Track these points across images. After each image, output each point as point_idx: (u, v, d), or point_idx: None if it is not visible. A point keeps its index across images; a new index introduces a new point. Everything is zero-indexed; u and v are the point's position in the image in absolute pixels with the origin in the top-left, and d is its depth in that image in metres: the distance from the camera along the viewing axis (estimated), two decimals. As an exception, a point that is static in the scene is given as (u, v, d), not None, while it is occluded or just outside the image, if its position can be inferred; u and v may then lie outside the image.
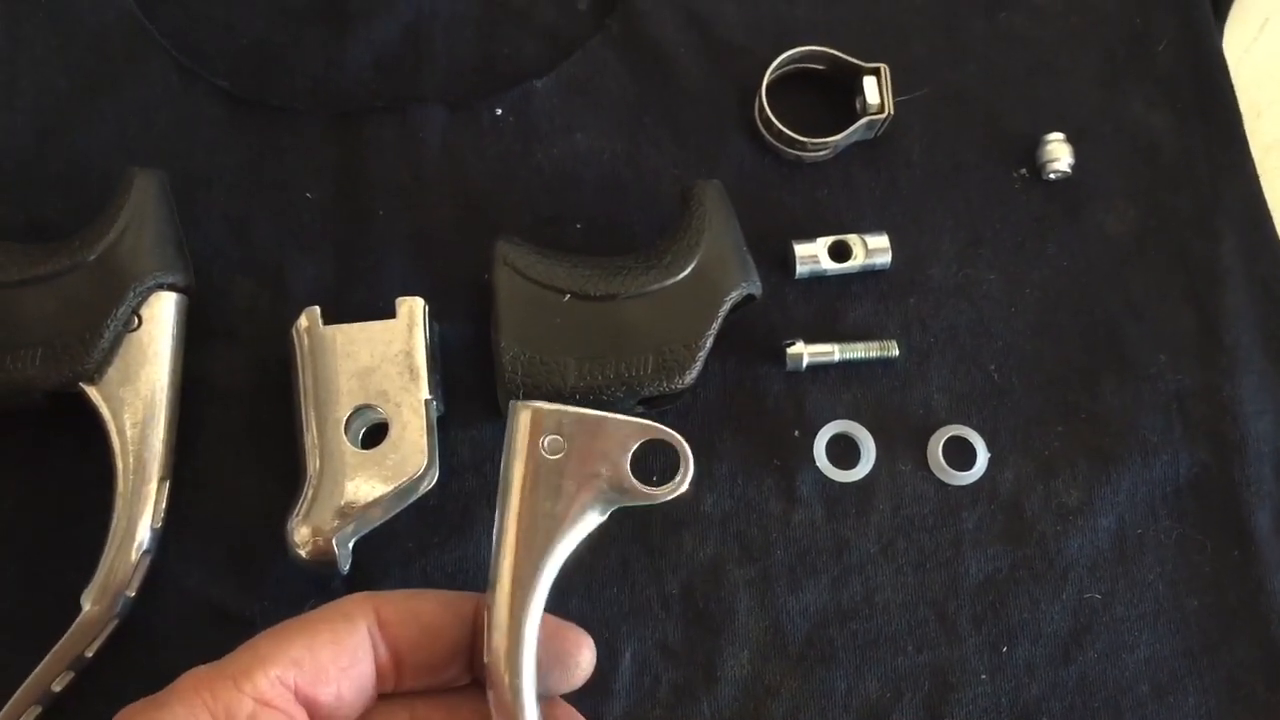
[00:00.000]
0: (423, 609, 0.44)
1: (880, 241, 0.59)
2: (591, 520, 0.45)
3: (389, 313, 0.55)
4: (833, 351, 0.58)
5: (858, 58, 0.61)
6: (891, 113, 0.60)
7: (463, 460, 0.56)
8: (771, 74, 0.61)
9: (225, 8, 0.63)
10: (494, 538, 0.44)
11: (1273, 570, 0.57)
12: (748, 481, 0.57)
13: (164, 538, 0.53)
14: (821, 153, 0.61)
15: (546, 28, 0.64)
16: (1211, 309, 0.60)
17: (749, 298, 0.56)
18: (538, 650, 0.44)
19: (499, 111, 0.62)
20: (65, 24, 0.61)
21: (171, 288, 0.54)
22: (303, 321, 0.54)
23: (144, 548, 0.51)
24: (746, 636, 0.55)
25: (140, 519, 0.51)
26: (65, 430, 0.55)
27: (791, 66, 0.63)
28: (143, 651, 0.53)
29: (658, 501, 0.46)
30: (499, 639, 0.43)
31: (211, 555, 0.55)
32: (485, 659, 0.43)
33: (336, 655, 0.42)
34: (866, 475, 0.57)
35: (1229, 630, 0.56)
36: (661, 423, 0.55)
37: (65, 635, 0.50)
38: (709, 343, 0.54)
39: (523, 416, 0.46)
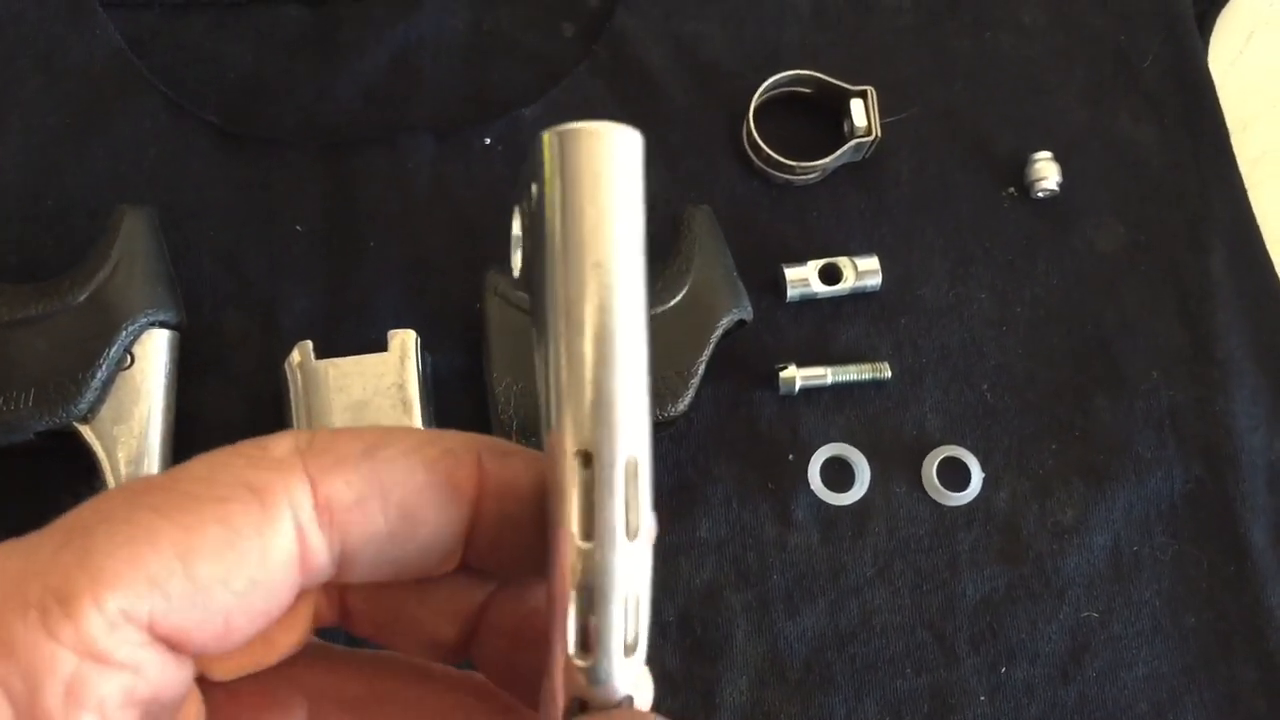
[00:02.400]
0: (393, 481, 0.27)
1: (870, 263, 0.60)
2: None
3: (382, 344, 0.55)
4: (825, 374, 0.58)
5: (845, 79, 0.62)
6: (879, 135, 0.61)
7: (458, 491, 0.56)
8: (759, 98, 0.62)
9: (214, 42, 0.63)
10: (556, 335, 0.26)
11: (1270, 585, 0.57)
12: (743, 506, 0.57)
13: (160, 576, 0.52)
14: (810, 176, 0.61)
15: (534, 56, 0.64)
16: (1202, 323, 0.61)
17: (740, 323, 0.56)
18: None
19: (488, 140, 0.62)
20: (54, 62, 0.61)
21: (163, 325, 0.55)
22: (295, 356, 0.55)
23: (140, 587, 0.51)
24: (745, 662, 0.55)
25: (136, 558, 0.51)
26: (59, 470, 0.55)
27: (779, 90, 0.63)
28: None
29: None
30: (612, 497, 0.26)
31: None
32: (558, 526, 0.26)
33: (229, 567, 0.25)
34: (861, 498, 0.57)
35: (1227, 646, 0.56)
36: (655, 450, 0.55)
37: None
38: (701, 369, 0.55)
39: (631, 138, 0.26)
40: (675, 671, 0.55)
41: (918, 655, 0.55)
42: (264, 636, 0.28)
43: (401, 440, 0.27)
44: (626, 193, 0.26)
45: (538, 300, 0.27)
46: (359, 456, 0.27)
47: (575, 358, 0.26)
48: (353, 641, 0.32)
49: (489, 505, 0.28)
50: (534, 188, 0.27)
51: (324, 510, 0.26)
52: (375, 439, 0.27)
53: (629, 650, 0.27)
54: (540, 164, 0.26)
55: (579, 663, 0.26)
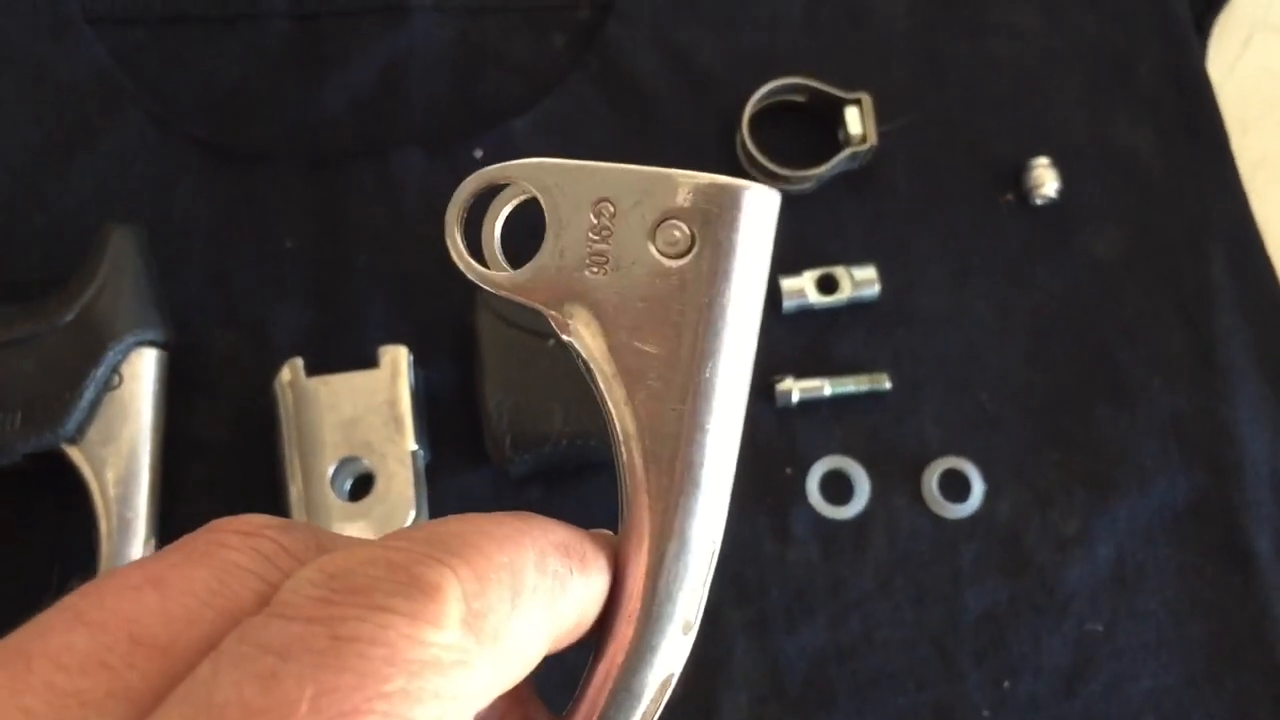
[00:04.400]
0: (529, 644, 0.25)
1: (867, 273, 0.59)
2: None
3: (373, 361, 0.54)
4: (822, 386, 0.57)
5: (839, 86, 0.61)
6: (875, 143, 0.60)
7: (452, 509, 0.55)
8: (752, 107, 0.61)
9: (200, 57, 0.62)
10: (679, 417, 0.27)
11: (1276, 595, 0.56)
12: (741, 521, 0.56)
13: (149, 599, 0.52)
14: (805, 185, 0.61)
15: (524, 66, 0.63)
16: (1204, 330, 0.60)
17: (736, 335, 0.55)
18: None
19: (478, 153, 0.61)
20: (38, 79, 0.61)
21: (151, 344, 0.54)
22: (285, 374, 0.54)
23: (129, 611, 0.51)
24: (744, 680, 0.54)
25: (124, 582, 0.51)
26: (49, 491, 0.54)
27: (772, 99, 0.62)
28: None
29: None
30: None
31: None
32: (632, 612, 0.27)
33: None
34: (861, 511, 0.57)
35: (1233, 658, 0.55)
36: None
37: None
38: (697, 383, 0.54)
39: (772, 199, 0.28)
40: (673, 689, 0.54)
41: (920, 670, 0.55)
42: None
43: (525, 566, 0.25)
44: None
45: (640, 343, 0.26)
46: (509, 614, 0.24)
47: (696, 449, 0.26)
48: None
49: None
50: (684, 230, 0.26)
51: None
52: (514, 578, 0.24)
53: None
54: (720, 220, 0.26)
55: None
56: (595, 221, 0.26)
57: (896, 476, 0.57)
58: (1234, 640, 0.55)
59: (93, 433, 0.53)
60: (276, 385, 0.54)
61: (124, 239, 0.54)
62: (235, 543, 0.24)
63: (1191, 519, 0.57)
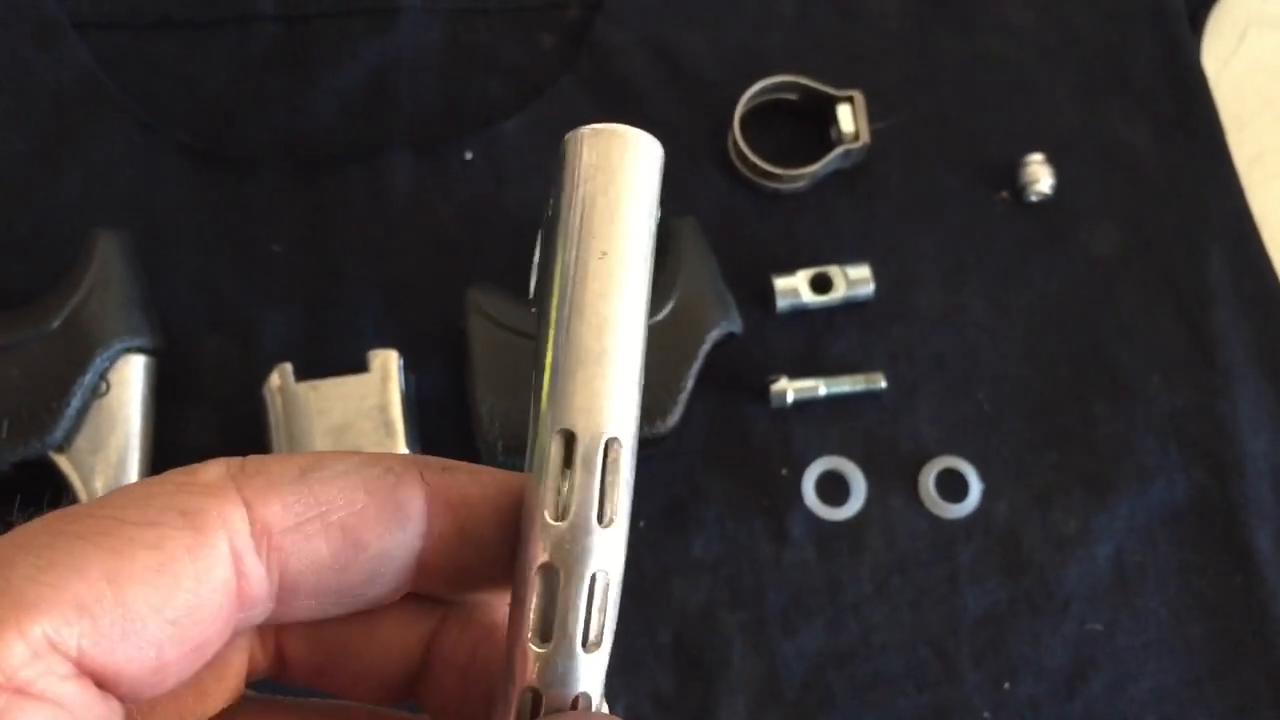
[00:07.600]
0: (332, 503, 0.25)
1: (862, 272, 0.58)
2: None
3: (363, 365, 0.54)
4: (817, 386, 0.57)
5: (831, 85, 0.61)
6: (868, 140, 0.59)
7: (444, 514, 0.55)
8: (744, 106, 0.60)
9: (186, 62, 0.62)
10: (551, 319, 0.26)
11: (1277, 593, 0.55)
12: (736, 524, 0.56)
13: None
14: (798, 184, 0.60)
15: (513, 69, 0.63)
16: (1202, 327, 0.59)
17: (730, 336, 0.55)
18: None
19: (468, 155, 0.61)
20: (23, 85, 0.60)
21: (139, 350, 0.53)
22: (274, 380, 0.53)
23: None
24: (742, 684, 0.54)
25: (112, 591, 0.50)
26: (37, 500, 0.54)
27: (764, 98, 0.62)
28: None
29: None
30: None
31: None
32: (532, 506, 0.25)
33: (162, 593, 0.23)
34: (858, 512, 0.56)
35: (1235, 656, 0.55)
36: (645, 469, 0.54)
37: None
38: (690, 384, 0.53)
39: (650, 142, 0.27)
40: (670, 695, 0.53)
41: (919, 673, 0.54)
42: (196, 686, 0.27)
43: (338, 462, 0.26)
44: (640, 189, 0.26)
45: (544, 295, 0.27)
46: (294, 478, 0.25)
47: (571, 338, 0.26)
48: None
49: (439, 523, 0.27)
50: (553, 190, 0.27)
51: (261, 535, 0.25)
52: (310, 461, 0.26)
53: (592, 645, 0.25)
54: (561, 162, 0.27)
55: (536, 649, 0.25)
56: None
57: (893, 477, 0.57)
58: (1235, 639, 0.55)
59: (81, 440, 0.52)
60: (265, 391, 0.53)
61: (111, 245, 0.54)
62: None
63: (1192, 517, 0.57)
